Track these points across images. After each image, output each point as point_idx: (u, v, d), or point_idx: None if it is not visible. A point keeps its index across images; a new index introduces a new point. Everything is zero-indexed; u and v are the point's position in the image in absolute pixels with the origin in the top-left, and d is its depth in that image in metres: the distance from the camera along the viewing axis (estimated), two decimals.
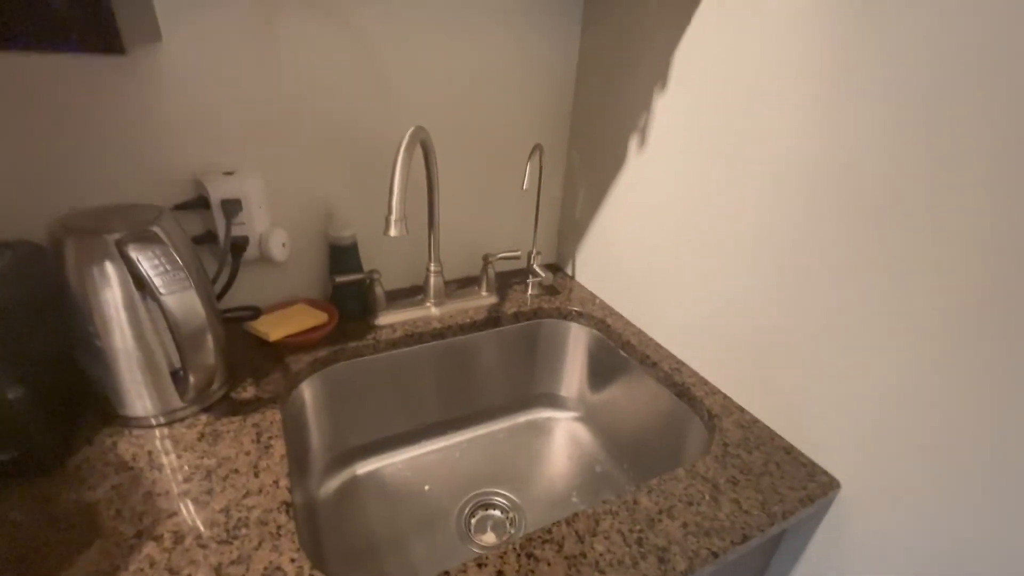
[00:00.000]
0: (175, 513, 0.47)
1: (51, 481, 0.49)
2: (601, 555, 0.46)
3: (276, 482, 0.51)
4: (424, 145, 0.67)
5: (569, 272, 0.99)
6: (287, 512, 0.48)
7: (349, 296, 0.78)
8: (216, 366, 0.54)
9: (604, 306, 0.88)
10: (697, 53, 0.63)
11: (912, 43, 0.43)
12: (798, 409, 0.59)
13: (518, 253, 0.86)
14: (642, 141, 0.74)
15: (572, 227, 0.95)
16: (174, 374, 0.55)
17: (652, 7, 0.68)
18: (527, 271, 0.90)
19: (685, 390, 0.70)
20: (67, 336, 0.53)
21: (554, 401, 0.94)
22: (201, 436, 0.56)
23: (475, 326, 0.82)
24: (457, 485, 0.80)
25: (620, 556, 0.46)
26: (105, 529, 0.45)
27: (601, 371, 0.86)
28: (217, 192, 0.65)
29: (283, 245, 0.72)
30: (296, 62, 0.66)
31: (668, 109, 0.69)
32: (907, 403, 0.48)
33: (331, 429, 0.76)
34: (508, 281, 0.94)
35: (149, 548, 0.44)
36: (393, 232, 0.56)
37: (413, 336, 0.78)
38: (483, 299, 0.85)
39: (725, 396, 0.67)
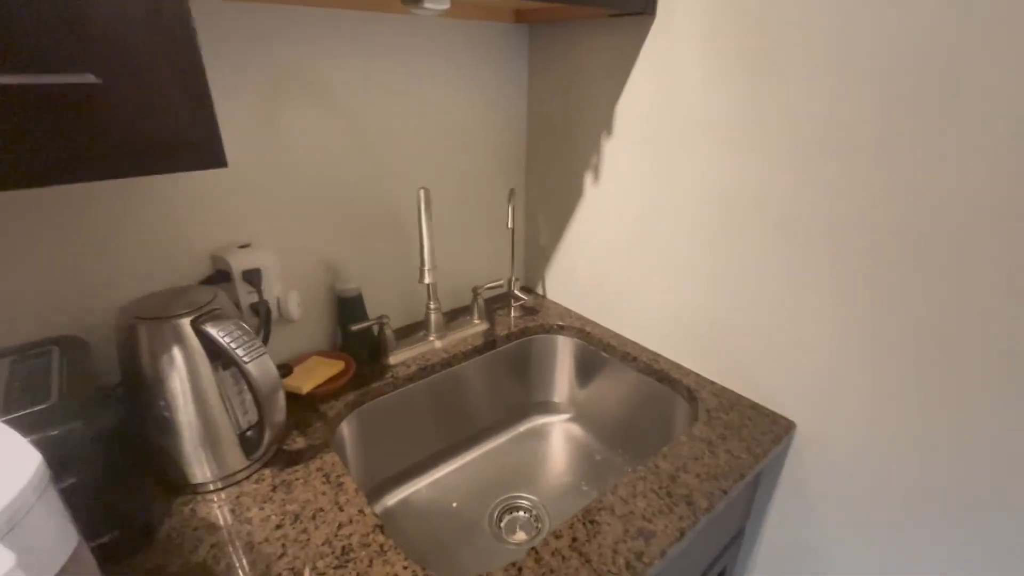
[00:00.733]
0: (283, 554, 0.52)
1: (151, 554, 0.52)
2: (644, 509, 0.58)
3: (361, 511, 0.58)
4: (428, 201, 0.78)
5: (540, 291, 1.12)
6: (382, 532, 0.55)
7: (360, 342, 0.85)
8: (285, 421, 0.60)
9: (580, 317, 1.01)
10: (635, 103, 0.79)
11: (797, 100, 0.61)
12: (755, 373, 0.76)
13: (501, 282, 0.98)
14: (595, 174, 0.90)
15: (538, 252, 1.09)
16: (241, 436, 0.60)
17: (590, 72, 0.84)
18: (508, 296, 1.01)
19: (664, 375, 0.85)
20: (136, 415, 0.56)
21: (548, 407, 1.05)
22: (274, 488, 0.61)
23: (475, 351, 0.92)
24: (481, 496, 0.88)
25: (658, 507, 0.59)
26: None
27: (587, 373, 0.99)
28: (238, 264, 0.70)
29: (298, 304, 0.78)
30: (294, 139, 0.74)
31: (615, 147, 0.85)
32: (832, 356, 0.66)
33: (364, 466, 0.82)
34: (492, 307, 1.05)
35: None
36: (428, 280, 0.65)
37: (425, 369, 0.86)
38: (477, 326, 0.96)
39: (697, 375, 0.83)
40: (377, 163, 0.83)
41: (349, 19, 0.73)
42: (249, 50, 0.66)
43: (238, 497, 0.59)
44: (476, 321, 0.96)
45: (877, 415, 0.63)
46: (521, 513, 0.87)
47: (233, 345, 0.53)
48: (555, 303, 1.07)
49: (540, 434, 1.03)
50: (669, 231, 0.81)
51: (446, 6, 0.61)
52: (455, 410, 0.93)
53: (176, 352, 0.55)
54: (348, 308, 0.84)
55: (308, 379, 0.76)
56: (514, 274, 1.00)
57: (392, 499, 0.87)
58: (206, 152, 0.43)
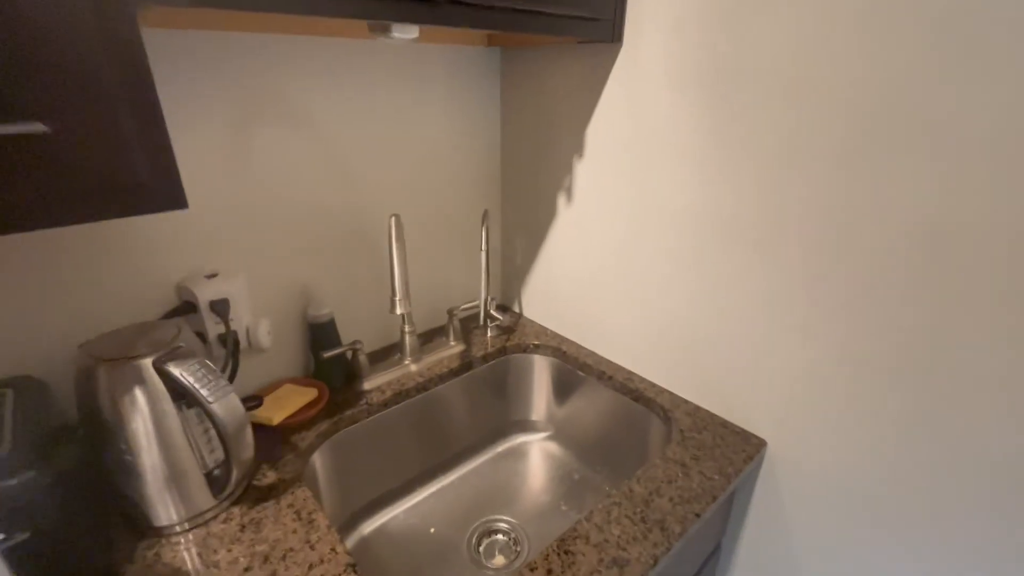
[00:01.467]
0: None
1: None
2: (619, 536, 0.58)
3: (333, 549, 0.57)
4: (400, 228, 0.77)
5: (517, 310, 1.12)
6: (354, 571, 0.54)
7: (333, 368, 0.84)
8: (253, 458, 0.58)
9: (556, 335, 1.02)
10: (605, 126, 0.80)
11: (759, 126, 0.63)
12: (728, 392, 0.77)
13: (477, 303, 0.98)
14: (568, 195, 0.91)
15: (514, 272, 1.09)
16: (208, 475, 0.59)
17: (560, 95, 0.85)
18: (484, 316, 1.01)
19: (639, 394, 0.85)
20: (96, 459, 0.54)
21: (526, 426, 1.05)
22: (242, 527, 0.59)
23: (452, 373, 0.92)
24: (459, 520, 0.88)
25: (633, 534, 0.59)
26: None
27: (564, 392, 0.99)
28: (204, 295, 0.69)
29: (268, 332, 0.77)
30: (263, 164, 0.73)
31: (587, 168, 0.86)
32: (803, 374, 0.67)
33: (339, 496, 0.81)
34: (468, 327, 1.04)
35: None
36: (399, 310, 0.65)
37: (400, 393, 0.85)
38: (453, 348, 0.95)
39: (672, 393, 0.84)
40: (350, 187, 0.83)
41: (319, 45, 0.73)
42: (221, 77, 0.66)
43: (205, 539, 0.58)
44: (452, 343, 0.96)
45: (849, 432, 0.65)
46: (500, 536, 0.86)
47: (197, 385, 0.52)
48: (532, 322, 1.08)
49: (519, 453, 1.03)
50: (642, 252, 0.82)
51: (414, 35, 0.61)
52: (432, 433, 0.92)
53: (138, 393, 0.53)
54: (321, 334, 0.83)
55: (279, 409, 0.74)
56: (489, 295, 1.00)
57: (369, 527, 0.86)
58: (165, 194, 0.42)
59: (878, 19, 0.51)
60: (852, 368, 0.62)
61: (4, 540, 0.42)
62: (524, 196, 1.00)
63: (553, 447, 1.03)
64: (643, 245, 0.81)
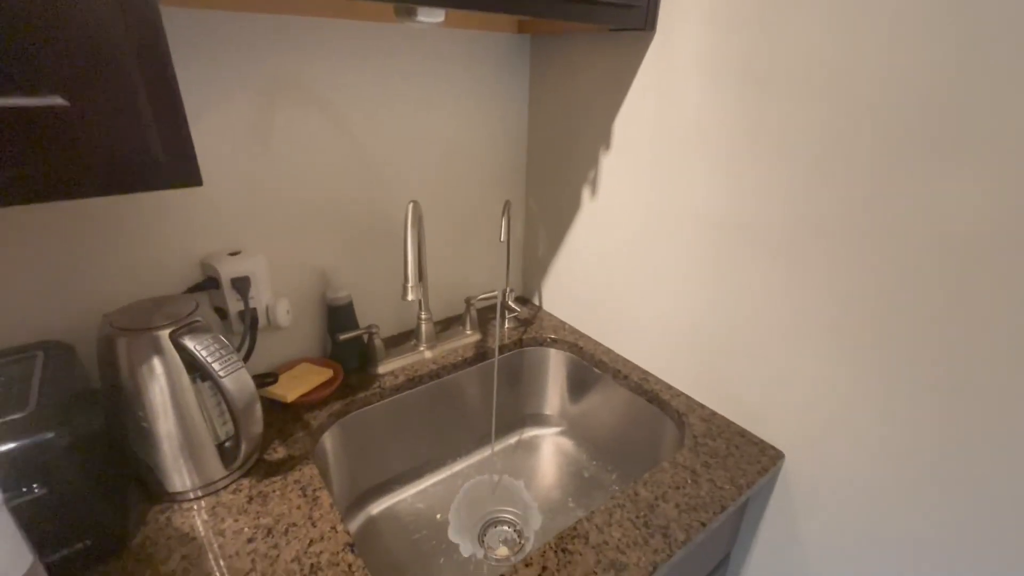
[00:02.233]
0: (251, 570, 0.53)
1: (122, 562, 0.53)
2: (619, 540, 0.57)
3: (334, 528, 0.58)
4: (418, 216, 0.77)
5: (537, 303, 1.11)
6: (352, 551, 0.55)
7: (349, 350, 0.85)
8: (262, 432, 0.60)
9: (574, 331, 1.00)
10: (633, 120, 0.78)
11: (793, 125, 0.59)
12: (746, 400, 0.74)
13: (495, 293, 0.97)
14: (593, 192, 0.88)
15: (536, 264, 1.08)
16: (220, 446, 0.61)
17: (589, 86, 0.83)
18: (503, 307, 1.00)
19: (655, 396, 0.83)
20: (115, 424, 0.57)
21: (539, 420, 1.05)
22: (250, 499, 0.61)
23: (466, 363, 0.92)
24: (467, 509, 0.88)
25: (634, 538, 0.58)
26: None
27: (578, 388, 0.98)
28: (227, 272, 0.71)
29: (287, 312, 0.78)
30: (288, 150, 0.74)
31: (613, 162, 0.83)
32: (828, 386, 0.64)
33: (348, 475, 0.82)
34: (486, 317, 1.04)
35: None
36: (410, 297, 0.65)
37: (413, 379, 0.86)
38: (469, 337, 0.95)
39: (688, 397, 0.82)
40: (372, 173, 0.83)
41: (344, 28, 0.73)
42: (244, 60, 0.66)
43: (214, 507, 0.60)
44: (468, 332, 0.96)
45: (873, 451, 0.61)
46: (505, 527, 0.86)
47: (210, 359, 0.53)
48: (551, 315, 1.06)
49: (531, 446, 1.02)
50: (666, 250, 0.79)
51: (440, 19, 0.60)
52: (444, 421, 0.93)
53: (155, 363, 0.55)
54: (338, 316, 0.84)
55: (294, 387, 0.76)
56: (508, 286, 1.00)
57: (377, 508, 0.87)
58: (180, 171, 0.43)
59: (918, 17, 0.47)
60: (879, 383, 0.59)
61: (20, 495, 0.45)
62: (548, 188, 0.98)
63: (565, 443, 1.02)
64: (666, 244, 0.79)
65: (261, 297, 0.75)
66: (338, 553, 0.54)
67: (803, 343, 0.65)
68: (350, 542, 0.56)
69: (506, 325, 1.01)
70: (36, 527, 0.47)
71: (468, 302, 0.95)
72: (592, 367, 0.94)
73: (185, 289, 0.71)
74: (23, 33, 0.34)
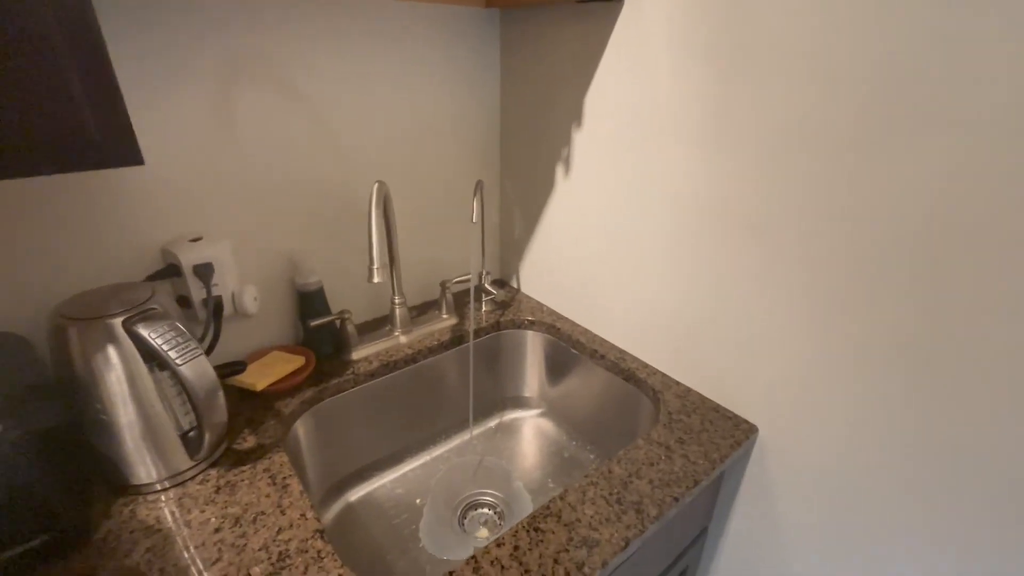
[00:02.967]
0: (219, 559, 0.52)
1: (84, 556, 0.51)
2: (592, 517, 0.57)
3: (303, 515, 0.57)
4: (385, 197, 0.75)
5: (515, 285, 1.10)
6: (322, 538, 0.54)
7: (322, 337, 0.84)
8: (227, 422, 0.59)
9: (551, 312, 1.00)
10: (605, 96, 0.76)
11: (768, 100, 0.58)
12: (720, 376, 0.74)
13: (470, 276, 0.96)
14: (566, 171, 0.87)
15: (512, 246, 1.06)
16: (184, 436, 0.59)
17: (560, 62, 0.81)
18: (479, 290, 0.99)
19: (631, 374, 0.83)
20: (71, 416, 0.55)
21: (519, 402, 1.04)
22: (218, 489, 0.60)
23: (442, 347, 0.91)
24: (446, 493, 0.88)
25: (607, 515, 0.58)
26: None
27: (557, 369, 0.98)
28: (188, 259, 0.68)
29: (255, 299, 0.76)
30: (252, 132, 0.71)
31: (587, 141, 0.82)
32: (802, 361, 0.64)
33: (323, 462, 0.81)
34: (463, 300, 1.03)
35: None
36: (376, 279, 0.63)
37: (388, 365, 0.85)
38: (445, 321, 0.94)
39: (663, 374, 0.82)
40: (340, 153, 0.81)
41: (307, 3, 0.70)
42: (202, 37, 0.64)
43: (180, 499, 0.59)
44: (444, 316, 0.95)
45: (843, 424, 0.62)
46: (486, 510, 0.86)
47: (165, 347, 0.52)
48: (529, 298, 1.06)
49: (511, 429, 1.02)
50: (640, 229, 0.78)
51: None
52: (422, 406, 0.92)
53: (110, 353, 0.53)
54: (309, 302, 0.82)
55: (264, 376, 0.74)
56: (484, 268, 0.98)
57: (356, 494, 0.86)
58: (119, 150, 0.41)
59: None
60: (851, 358, 0.59)
61: None
62: (523, 168, 0.97)
63: (545, 424, 1.02)
64: (640, 223, 0.78)
65: (226, 284, 0.73)
66: (307, 540, 0.54)
67: (776, 320, 0.65)
68: (320, 528, 0.55)
69: (483, 308, 1.00)
70: None
71: (444, 286, 0.94)
72: (570, 348, 0.93)
73: (145, 277, 0.68)
74: None
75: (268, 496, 0.59)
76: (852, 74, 0.51)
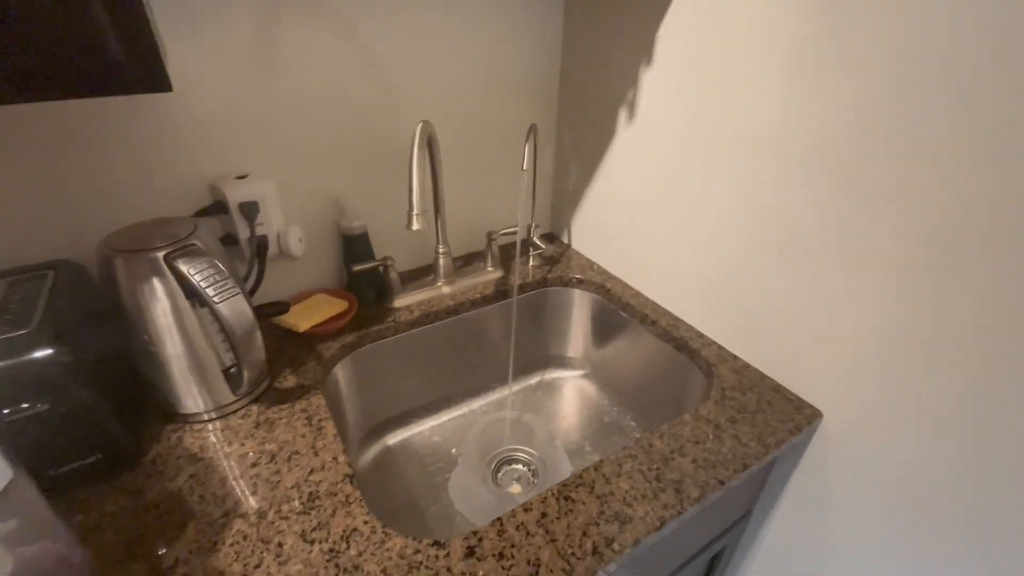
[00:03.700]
0: (253, 493, 0.53)
1: (134, 477, 0.54)
2: (627, 492, 0.54)
3: (335, 458, 0.57)
4: (430, 139, 0.71)
5: (566, 241, 1.04)
6: (351, 482, 0.54)
7: (365, 282, 0.83)
8: (265, 361, 0.59)
9: (602, 271, 0.94)
10: (677, 36, 0.67)
11: (875, 36, 0.48)
12: (783, 352, 0.67)
13: (518, 228, 0.91)
14: (630, 115, 0.79)
15: (566, 199, 1.00)
16: (226, 372, 0.60)
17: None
18: (527, 243, 0.95)
19: (683, 343, 0.77)
20: (123, 344, 0.57)
21: (562, 362, 1.01)
22: (257, 425, 0.61)
23: (485, 300, 0.88)
24: (482, 445, 0.88)
25: (643, 491, 0.54)
26: (195, 512, 0.51)
27: (604, 331, 0.93)
28: (234, 196, 0.68)
29: (300, 240, 0.76)
30: (297, 66, 0.68)
31: (654, 85, 0.73)
32: (885, 344, 0.56)
33: (362, 406, 0.82)
34: (510, 254, 0.99)
35: (238, 524, 0.50)
36: (415, 226, 0.60)
37: (429, 315, 0.83)
38: (490, 274, 0.91)
39: (719, 346, 0.75)
40: (389, 93, 0.76)
41: None
42: None
43: (223, 431, 0.60)
44: (489, 268, 0.91)
45: (925, 420, 0.54)
46: (519, 466, 0.85)
47: (203, 284, 0.51)
48: (579, 254, 1.00)
49: (552, 388, 1.00)
50: (705, 183, 0.70)
51: None
52: (462, 358, 0.91)
53: (155, 285, 0.54)
54: (354, 246, 0.81)
55: (307, 317, 0.75)
56: (534, 221, 0.93)
57: (393, 439, 0.88)
58: (143, 75, 0.39)
59: None
60: (941, 344, 0.50)
61: (20, 412, 0.45)
62: (581, 114, 0.89)
63: (588, 386, 0.99)
64: (706, 176, 0.69)
65: (272, 224, 0.72)
66: (337, 483, 0.54)
67: (855, 293, 0.56)
68: (349, 473, 0.55)
69: (530, 263, 0.95)
70: (41, 441, 0.48)
71: (490, 237, 0.90)
72: (619, 310, 0.88)
73: (194, 212, 0.69)
74: None
75: (303, 436, 0.60)
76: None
